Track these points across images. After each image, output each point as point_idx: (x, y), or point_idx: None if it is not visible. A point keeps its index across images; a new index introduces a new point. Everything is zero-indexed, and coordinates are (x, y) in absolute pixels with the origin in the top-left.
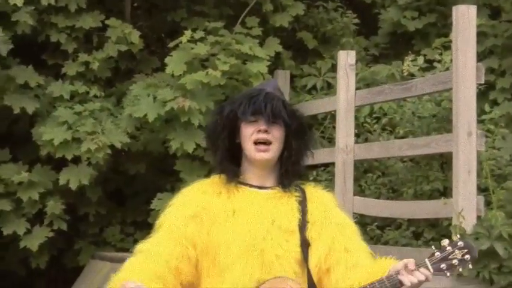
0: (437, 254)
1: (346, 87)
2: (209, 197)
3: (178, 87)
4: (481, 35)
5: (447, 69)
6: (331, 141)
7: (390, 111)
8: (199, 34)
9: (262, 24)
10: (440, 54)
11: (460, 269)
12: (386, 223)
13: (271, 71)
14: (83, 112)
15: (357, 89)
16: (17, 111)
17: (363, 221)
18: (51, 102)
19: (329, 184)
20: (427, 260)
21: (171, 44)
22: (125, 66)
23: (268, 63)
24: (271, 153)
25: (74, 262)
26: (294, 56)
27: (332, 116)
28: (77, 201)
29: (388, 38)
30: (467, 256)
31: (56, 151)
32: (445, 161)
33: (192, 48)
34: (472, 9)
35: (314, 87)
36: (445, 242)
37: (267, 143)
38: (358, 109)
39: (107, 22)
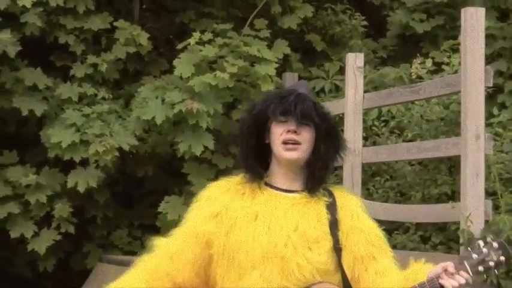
0: (475, 256)
1: (354, 90)
2: (232, 197)
3: (186, 89)
4: (489, 38)
5: (455, 72)
6: None
7: (398, 114)
8: (207, 36)
9: (270, 26)
10: (449, 56)
11: (496, 271)
12: (394, 227)
13: (280, 73)
14: (91, 114)
15: (365, 91)
16: (25, 113)
17: None
18: (59, 104)
19: None
20: (465, 262)
21: (180, 46)
22: (133, 68)
23: (277, 65)
24: (299, 152)
25: (82, 265)
26: (302, 59)
27: (340, 118)
28: (84, 204)
29: (397, 40)
30: (502, 257)
31: (64, 153)
32: (453, 165)
33: (201, 50)
34: (481, 12)
35: (322, 90)
36: (481, 242)
37: (296, 143)
38: (366, 112)
39: (115, 24)
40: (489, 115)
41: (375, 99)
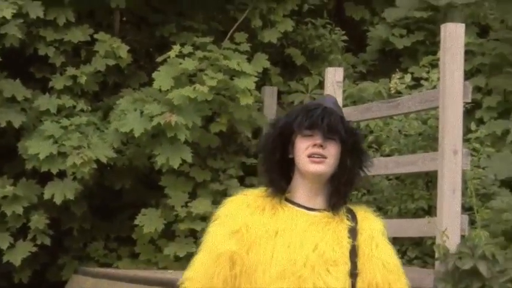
0: None
1: None
2: (252, 212)
3: (165, 102)
4: (468, 54)
5: (434, 87)
6: None
7: (377, 129)
8: (187, 49)
9: (250, 40)
10: (428, 72)
11: None
12: None
13: (259, 87)
14: (69, 126)
15: (344, 106)
16: (3, 124)
17: None
18: (37, 116)
19: None
20: None
21: (159, 59)
22: (113, 80)
23: (256, 79)
24: (325, 166)
25: (57, 277)
26: (281, 72)
27: None
28: (61, 216)
29: (376, 55)
30: None
31: (42, 165)
32: (430, 180)
33: (180, 63)
34: (460, 28)
35: (301, 104)
36: None
37: (322, 157)
38: None
39: (95, 36)
40: (467, 130)
41: (354, 114)
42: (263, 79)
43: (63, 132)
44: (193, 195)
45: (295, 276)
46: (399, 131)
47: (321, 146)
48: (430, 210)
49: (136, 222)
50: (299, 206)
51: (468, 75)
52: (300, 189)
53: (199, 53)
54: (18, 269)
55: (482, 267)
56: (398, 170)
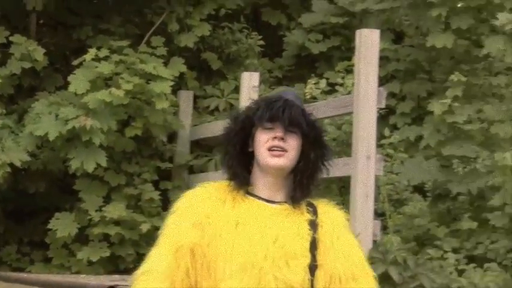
0: None
1: None
2: (213, 204)
3: (80, 105)
4: (383, 59)
5: (349, 92)
6: None
7: None
8: (103, 52)
9: (167, 44)
10: (343, 77)
11: None
12: None
13: (175, 91)
14: None
15: None
16: None
17: None
18: None
19: None
20: None
21: (75, 62)
22: (28, 83)
23: (172, 83)
24: (285, 160)
25: None
26: (198, 77)
27: None
28: None
29: (293, 60)
30: None
31: None
32: (343, 185)
33: (96, 67)
34: (375, 34)
35: (217, 109)
36: None
37: (282, 150)
38: None
39: (11, 39)
40: (381, 136)
41: None
42: (179, 83)
43: None
44: (107, 200)
45: (255, 268)
46: None
47: (282, 138)
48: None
49: (49, 226)
50: (260, 198)
51: (383, 81)
52: (261, 182)
53: (116, 57)
54: None
55: (394, 273)
56: None
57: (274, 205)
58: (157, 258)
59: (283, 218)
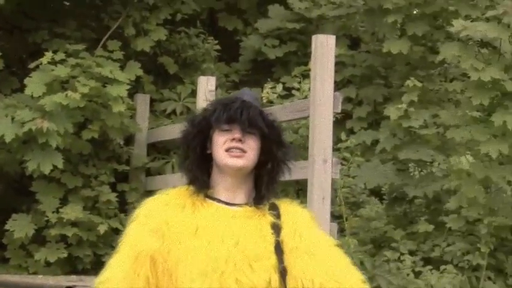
0: None
1: None
2: (172, 211)
3: (37, 108)
4: (340, 65)
5: (306, 97)
6: None
7: None
8: (60, 56)
9: (123, 48)
10: (299, 82)
11: None
12: None
13: (132, 94)
14: None
15: None
16: None
17: None
18: None
19: None
20: None
21: (32, 65)
22: None
23: (129, 86)
24: (244, 160)
25: None
26: (154, 81)
27: None
28: None
29: (249, 65)
30: None
31: None
32: (300, 188)
33: (52, 70)
34: (331, 39)
35: (174, 112)
36: None
37: (241, 151)
38: None
39: None
40: (337, 140)
41: None
42: (136, 87)
43: None
44: (64, 201)
45: (217, 273)
46: None
47: (240, 140)
48: None
49: (7, 227)
50: (220, 201)
51: (339, 86)
52: (220, 185)
53: (72, 60)
54: None
55: None
56: None
57: (234, 207)
58: (116, 267)
59: (244, 220)
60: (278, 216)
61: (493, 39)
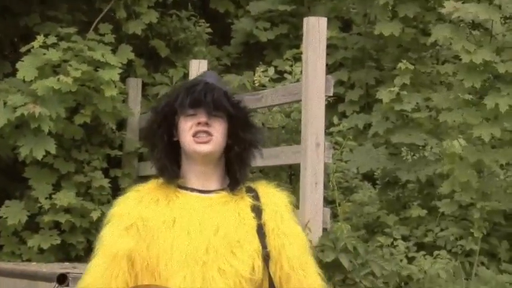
0: None
1: None
2: (146, 206)
3: (29, 93)
4: (331, 48)
5: (298, 80)
6: None
7: None
8: (51, 40)
9: (115, 31)
10: (291, 65)
11: None
12: None
13: (123, 78)
14: None
15: None
16: None
17: None
18: None
19: None
20: None
21: (23, 49)
22: None
23: (120, 70)
24: (212, 145)
25: None
26: (146, 64)
27: None
28: None
29: (241, 48)
30: None
31: None
32: (293, 173)
33: (44, 54)
34: (323, 22)
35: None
36: None
37: (208, 134)
38: None
39: None
40: (330, 124)
41: None
42: (128, 71)
43: None
44: (57, 187)
45: (198, 263)
46: (263, 124)
47: (206, 123)
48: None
49: None
50: (193, 190)
51: (331, 69)
52: (191, 173)
53: (64, 44)
54: None
55: (344, 260)
56: (261, 163)
57: (210, 195)
58: (94, 271)
59: (221, 206)
60: (257, 198)
61: (485, 20)
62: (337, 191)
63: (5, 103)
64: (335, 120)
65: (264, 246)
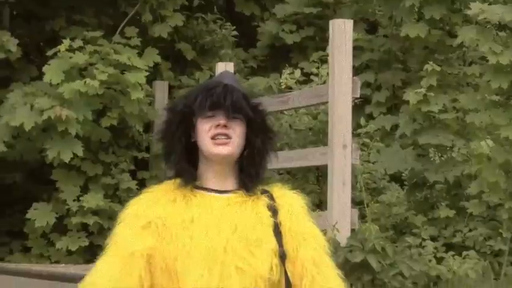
0: None
1: None
2: (163, 206)
3: (56, 96)
4: (357, 49)
5: (324, 82)
6: None
7: None
8: (77, 43)
9: (141, 34)
10: (318, 67)
11: None
12: None
13: (150, 81)
14: None
15: None
16: None
17: None
18: None
19: None
20: None
21: (50, 53)
22: (2, 74)
23: (147, 73)
24: (230, 147)
25: None
26: (172, 67)
27: None
28: None
29: (267, 50)
30: None
31: None
32: (320, 174)
33: (71, 57)
34: (349, 24)
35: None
36: None
37: (227, 137)
38: None
39: None
40: (357, 125)
41: None
42: (154, 74)
43: None
44: (85, 189)
45: (216, 262)
46: (290, 125)
47: (225, 126)
48: (321, 205)
49: (27, 216)
50: (210, 190)
51: (357, 71)
52: (209, 174)
53: (90, 47)
54: None
55: (372, 261)
56: (289, 165)
57: (227, 195)
58: (104, 269)
59: (239, 206)
60: (272, 199)
61: (510, 22)
62: (365, 192)
63: (32, 106)
64: (362, 121)
65: (280, 245)
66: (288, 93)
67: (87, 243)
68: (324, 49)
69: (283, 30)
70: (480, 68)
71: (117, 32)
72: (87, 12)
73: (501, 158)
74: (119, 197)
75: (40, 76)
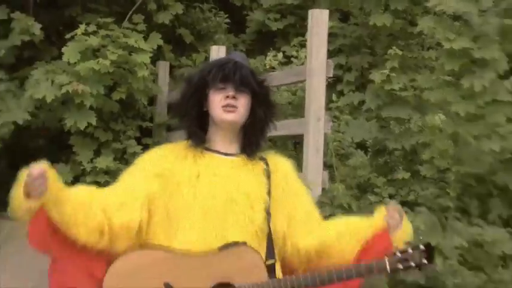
0: (397, 254)
1: None
2: (174, 159)
3: (73, 73)
4: (332, 36)
5: (302, 63)
6: None
7: None
8: (92, 28)
9: (146, 21)
10: (297, 51)
11: (418, 271)
12: None
13: (154, 61)
14: None
15: None
16: None
17: None
18: None
19: None
20: (386, 258)
21: (68, 36)
22: (28, 54)
23: (151, 54)
24: (237, 115)
25: None
26: (173, 49)
27: None
28: None
29: (254, 36)
30: (424, 260)
31: None
32: (298, 142)
33: (86, 40)
34: (325, 13)
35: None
36: (408, 244)
37: (234, 107)
38: None
39: (12, 15)
40: (329, 101)
41: None
42: (157, 55)
43: None
44: (97, 153)
45: (218, 212)
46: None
47: (234, 97)
48: (297, 167)
49: None
50: (218, 152)
51: (331, 54)
52: (217, 138)
53: (103, 32)
54: None
55: (339, 215)
56: (271, 134)
57: (231, 157)
58: (108, 195)
59: (241, 167)
60: (267, 164)
61: (464, 13)
62: (335, 157)
63: (52, 82)
64: (334, 97)
65: (268, 205)
66: (271, 73)
67: None
68: (303, 35)
69: (268, 18)
70: (436, 53)
71: (126, 19)
72: (101, 1)
73: (450, 130)
74: (126, 160)
75: (60, 56)
